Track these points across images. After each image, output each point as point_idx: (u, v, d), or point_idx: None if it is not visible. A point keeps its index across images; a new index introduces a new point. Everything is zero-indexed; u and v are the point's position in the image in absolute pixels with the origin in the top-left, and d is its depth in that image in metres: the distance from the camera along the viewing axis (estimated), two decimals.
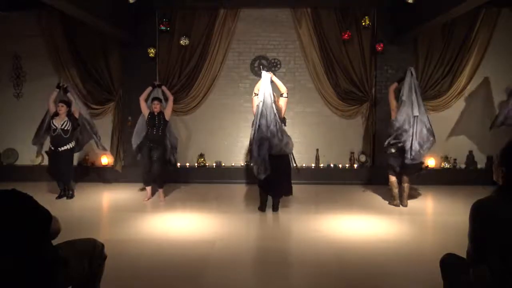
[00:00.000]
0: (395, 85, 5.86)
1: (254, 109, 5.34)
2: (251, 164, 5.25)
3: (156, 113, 6.11)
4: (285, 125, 5.55)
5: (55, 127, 6.11)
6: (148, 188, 6.23)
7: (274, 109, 5.15)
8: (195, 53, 7.60)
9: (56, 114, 6.22)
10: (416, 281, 3.31)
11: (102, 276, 2.61)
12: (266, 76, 5.33)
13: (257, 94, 5.36)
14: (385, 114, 7.12)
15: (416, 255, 3.91)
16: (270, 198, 5.58)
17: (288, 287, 3.28)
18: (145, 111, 6.21)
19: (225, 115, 7.88)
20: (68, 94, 6.43)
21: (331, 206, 5.88)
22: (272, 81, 5.40)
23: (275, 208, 5.51)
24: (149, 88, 6.41)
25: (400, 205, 5.77)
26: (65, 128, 6.12)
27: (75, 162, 6.93)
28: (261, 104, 5.16)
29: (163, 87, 6.55)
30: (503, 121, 6.78)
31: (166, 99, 6.40)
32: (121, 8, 6.42)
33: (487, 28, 7.37)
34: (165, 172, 6.41)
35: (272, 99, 5.19)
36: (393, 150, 5.64)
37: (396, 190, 5.76)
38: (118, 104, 7.74)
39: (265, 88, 5.23)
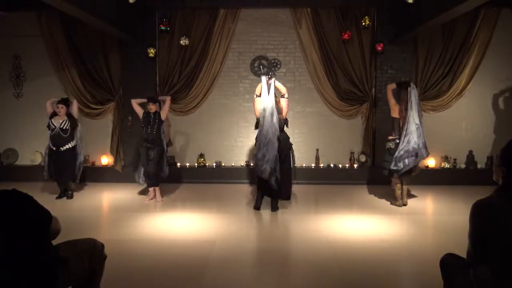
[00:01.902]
0: (393, 85, 5.85)
1: (257, 112, 5.40)
2: (271, 180, 5.27)
3: (152, 113, 6.11)
4: (287, 126, 5.57)
5: (53, 127, 6.11)
6: (151, 189, 6.22)
7: (274, 118, 5.16)
8: (195, 53, 7.60)
9: (54, 114, 6.22)
10: (416, 281, 3.31)
11: (102, 276, 2.61)
12: (267, 83, 5.28)
13: (258, 96, 5.37)
14: (385, 114, 7.14)
15: (416, 255, 3.91)
16: (269, 199, 5.60)
17: (288, 287, 3.27)
18: (138, 110, 6.19)
19: (225, 115, 7.88)
20: (70, 108, 6.33)
21: (331, 206, 5.88)
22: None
23: (273, 208, 5.51)
24: (144, 100, 6.30)
25: (401, 206, 5.77)
26: (64, 128, 6.11)
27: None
28: (261, 119, 5.21)
29: (161, 99, 6.43)
30: None
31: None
32: (121, 8, 6.42)
33: (487, 28, 7.37)
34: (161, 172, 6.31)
35: (274, 104, 5.21)
36: (391, 146, 5.66)
37: (399, 191, 5.77)
38: (118, 104, 7.74)
39: (267, 103, 5.19)
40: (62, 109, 6.17)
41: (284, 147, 5.40)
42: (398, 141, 5.59)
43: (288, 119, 5.89)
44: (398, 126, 5.62)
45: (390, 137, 5.73)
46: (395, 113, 5.71)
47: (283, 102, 5.46)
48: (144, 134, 6.03)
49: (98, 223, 5.28)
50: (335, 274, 3.42)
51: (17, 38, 7.85)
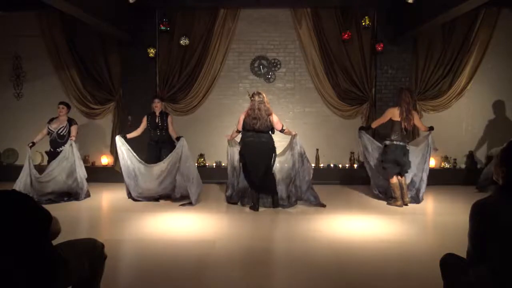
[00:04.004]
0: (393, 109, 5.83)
1: (240, 124, 5.53)
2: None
3: (158, 114, 6.14)
4: (273, 133, 5.62)
5: (51, 132, 6.13)
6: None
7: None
8: (195, 53, 7.60)
9: (52, 119, 6.24)
10: (416, 281, 3.31)
11: (102, 276, 2.61)
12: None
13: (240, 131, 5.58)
14: None
15: (416, 255, 3.90)
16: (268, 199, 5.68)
17: (288, 287, 3.27)
18: (140, 128, 6.26)
19: (225, 115, 7.87)
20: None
21: (331, 206, 5.87)
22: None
23: (275, 204, 5.57)
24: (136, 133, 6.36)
25: (401, 206, 5.77)
26: (61, 133, 6.12)
27: None
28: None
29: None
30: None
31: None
32: (121, 8, 6.42)
33: (487, 28, 7.38)
34: None
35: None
36: (386, 143, 5.69)
37: (398, 192, 5.75)
38: (118, 104, 7.74)
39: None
40: (63, 110, 6.18)
41: (268, 149, 5.48)
42: (395, 142, 5.60)
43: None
44: (399, 129, 5.62)
45: (388, 138, 5.74)
46: (385, 119, 5.80)
47: (274, 118, 5.51)
48: (153, 137, 6.11)
49: (98, 223, 5.28)
50: (335, 274, 3.42)
51: (17, 38, 7.85)
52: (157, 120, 6.15)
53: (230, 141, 5.89)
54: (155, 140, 6.15)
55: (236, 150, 5.82)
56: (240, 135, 5.66)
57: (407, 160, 5.71)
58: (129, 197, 6.10)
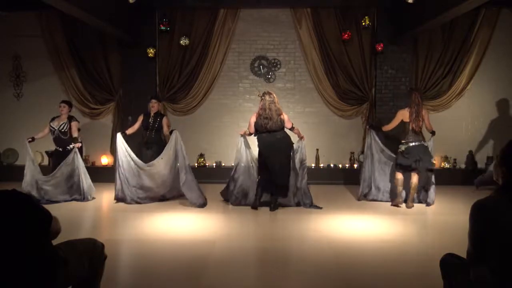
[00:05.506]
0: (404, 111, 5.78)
1: (251, 127, 5.52)
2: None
3: (152, 114, 6.15)
4: (291, 129, 5.65)
5: (53, 129, 6.13)
6: None
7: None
8: (195, 53, 7.60)
9: (54, 118, 6.25)
10: (416, 281, 3.31)
11: (102, 276, 2.61)
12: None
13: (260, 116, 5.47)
14: (385, 114, 7.16)
15: (416, 255, 3.91)
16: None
17: (288, 287, 3.27)
18: (137, 125, 6.27)
19: (225, 115, 7.88)
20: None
21: (331, 206, 5.87)
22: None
23: (272, 208, 5.52)
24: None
25: (401, 205, 5.75)
26: (63, 130, 6.12)
27: None
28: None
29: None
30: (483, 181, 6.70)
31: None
32: (121, 8, 6.42)
33: (487, 28, 7.38)
34: None
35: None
36: (403, 148, 5.66)
37: (400, 188, 5.75)
38: (118, 104, 7.74)
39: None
40: (64, 108, 6.20)
41: (285, 146, 5.47)
42: (410, 144, 5.60)
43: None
44: (410, 130, 5.62)
45: (403, 141, 5.71)
46: (397, 121, 5.75)
47: (285, 117, 5.53)
48: (143, 137, 6.14)
49: (98, 223, 5.28)
50: (335, 274, 3.42)
51: (17, 38, 7.85)
52: (149, 120, 6.16)
53: (243, 139, 5.79)
54: (144, 141, 6.18)
55: (245, 150, 5.81)
56: (251, 137, 5.71)
57: (428, 156, 5.63)
58: (115, 198, 6.03)
